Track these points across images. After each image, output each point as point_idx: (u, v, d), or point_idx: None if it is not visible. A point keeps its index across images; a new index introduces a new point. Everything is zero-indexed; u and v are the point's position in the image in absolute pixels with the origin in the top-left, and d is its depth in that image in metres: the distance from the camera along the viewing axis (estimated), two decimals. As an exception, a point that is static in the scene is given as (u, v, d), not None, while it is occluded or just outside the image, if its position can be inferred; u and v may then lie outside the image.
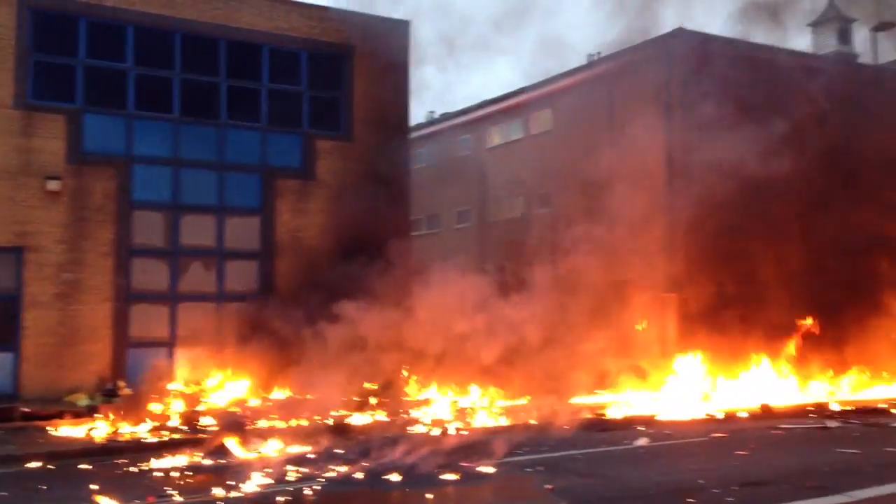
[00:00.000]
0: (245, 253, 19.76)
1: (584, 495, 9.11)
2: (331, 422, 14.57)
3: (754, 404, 17.35)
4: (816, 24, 36.08)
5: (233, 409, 15.09)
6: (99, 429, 14.04)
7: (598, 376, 17.95)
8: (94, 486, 9.55)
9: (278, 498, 8.90)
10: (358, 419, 15.19)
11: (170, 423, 14.43)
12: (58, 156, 18.04)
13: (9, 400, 16.23)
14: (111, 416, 14.41)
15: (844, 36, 35.92)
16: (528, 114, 30.04)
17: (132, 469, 10.97)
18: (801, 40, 34.89)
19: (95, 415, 14.89)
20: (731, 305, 21.27)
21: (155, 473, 10.60)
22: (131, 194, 18.71)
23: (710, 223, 20.58)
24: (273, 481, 9.78)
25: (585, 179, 23.45)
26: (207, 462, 11.30)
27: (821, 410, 16.99)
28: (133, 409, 14.86)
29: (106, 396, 16.82)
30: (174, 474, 10.48)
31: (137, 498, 9.03)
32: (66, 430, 14.10)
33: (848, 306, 21.18)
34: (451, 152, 33.93)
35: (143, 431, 13.91)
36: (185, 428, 14.16)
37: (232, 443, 11.94)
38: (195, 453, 11.64)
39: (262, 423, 13.89)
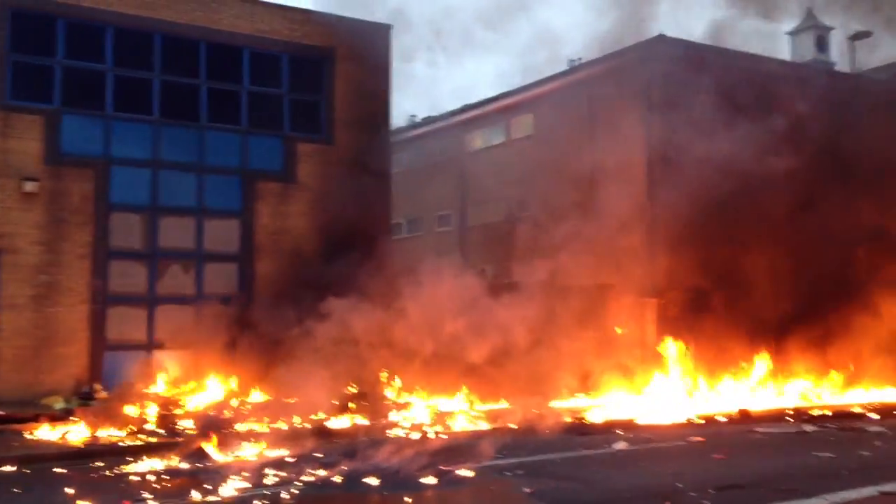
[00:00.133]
0: (224, 255, 19.66)
1: (563, 499, 9.14)
2: (310, 425, 14.51)
3: (733, 408, 17.46)
4: (795, 33, 36.49)
5: (211, 412, 14.97)
6: (75, 432, 13.90)
7: (581, 377, 17.99)
8: (69, 490, 9.47)
9: (255, 502, 8.86)
10: (337, 423, 15.14)
11: (147, 427, 14.29)
12: (35, 157, 17.87)
13: (-17, 403, 16.03)
14: (87, 420, 14.25)
15: (822, 44, 36.34)
16: (509, 118, 30.13)
17: (108, 473, 10.87)
18: (781, 47, 35.29)
19: (71, 418, 14.73)
20: (712, 310, 21.42)
21: (131, 477, 10.50)
22: (109, 196, 18.56)
23: (690, 228, 20.70)
24: (250, 485, 9.72)
25: (566, 184, 23.56)
26: (185, 466, 11.21)
27: (798, 414, 17.12)
28: (110, 412, 14.72)
29: (82, 399, 16.67)
30: (151, 478, 10.39)
31: (113, 502, 8.96)
32: (42, 433, 13.94)
33: (831, 308, 21.34)
34: (433, 156, 33.97)
35: (119, 435, 13.79)
36: (163, 431, 14.04)
37: (210, 446, 11.86)
38: (172, 457, 11.55)
39: (241, 427, 13.81)
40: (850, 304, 21.15)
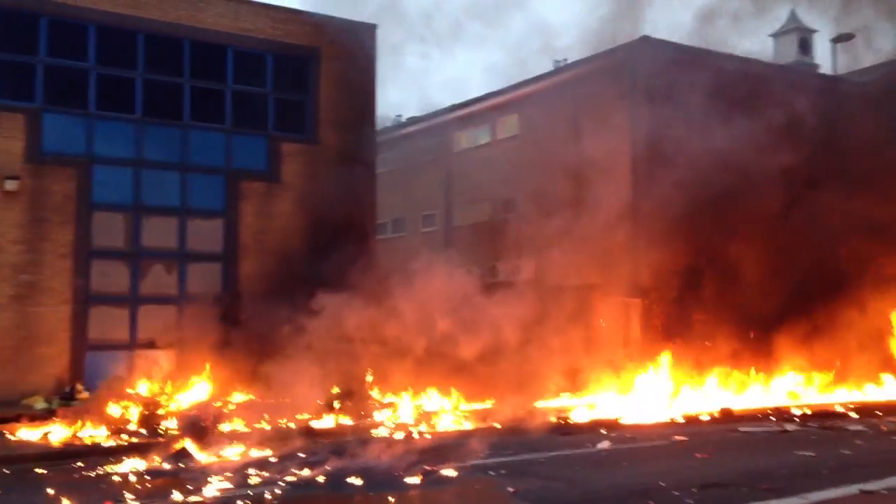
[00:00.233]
0: (208, 255, 19.57)
1: (547, 498, 9.15)
2: (294, 425, 14.47)
3: (716, 408, 17.55)
4: (778, 35, 36.72)
5: (194, 412, 14.87)
6: (56, 432, 13.79)
7: (565, 377, 18.01)
8: (50, 491, 9.40)
9: (238, 502, 8.82)
10: (321, 422, 15.11)
11: (129, 427, 14.20)
12: (16, 155, 17.72)
13: (-37, 403, 15.90)
14: (69, 420, 14.15)
15: (805, 46, 36.59)
16: (495, 118, 30.17)
17: (90, 473, 10.79)
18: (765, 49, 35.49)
19: (53, 418, 14.62)
20: (696, 309, 21.54)
21: (113, 478, 10.44)
22: (91, 195, 18.44)
23: (675, 228, 20.79)
24: (233, 485, 9.68)
25: (552, 184, 23.61)
26: (167, 466, 11.16)
27: (780, 413, 17.22)
28: (92, 412, 14.61)
29: (64, 399, 16.55)
30: (133, 478, 10.33)
31: (95, 502, 8.90)
32: (23, 433, 13.82)
33: (817, 306, 21.47)
34: (418, 156, 33.96)
35: (101, 435, 13.69)
36: (145, 432, 13.95)
37: (192, 447, 11.80)
38: (155, 457, 11.49)
39: (224, 427, 13.75)
40: (836, 301, 21.28)
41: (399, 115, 37.88)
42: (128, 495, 9.24)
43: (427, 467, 10.46)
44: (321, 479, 10.09)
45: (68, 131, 18.46)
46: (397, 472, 10.24)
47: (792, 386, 20.62)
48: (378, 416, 15.99)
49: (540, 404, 17.09)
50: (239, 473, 10.23)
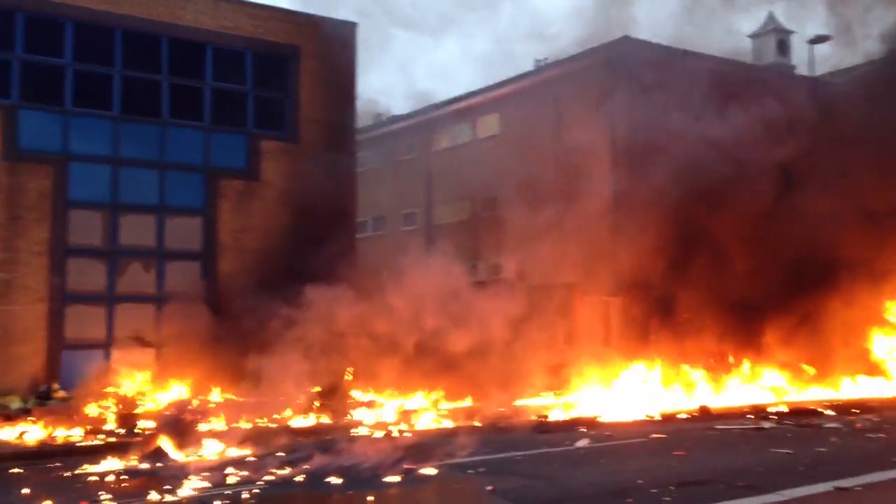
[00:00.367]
0: (186, 253, 19.43)
1: (526, 497, 9.17)
2: (273, 424, 14.41)
3: (694, 405, 17.67)
4: (756, 35, 36.99)
5: (171, 411, 14.77)
6: (32, 432, 13.66)
7: (545, 375, 18.04)
8: (25, 491, 9.32)
9: (216, 502, 8.77)
10: (301, 421, 15.06)
11: (106, 427, 14.11)
12: (-9, 152, 17.51)
13: (-63, 403, 15.68)
14: (45, 419, 14.02)
15: (783, 47, 36.88)
16: (475, 118, 30.19)
17: (66, 473, 10.70)
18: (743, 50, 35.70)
19: (29, 418, 14.48)
20: (676, 308, 21.65)
21: (89, 478, 10.36)
22: (68, 193, 18.24)
23: (656, 226, 20.88)
24: (211, 485, 9.63)
25: (532, 183, 23.67)
26: (144, 466, 11.09)
27: (758, 412, 17.37)
28: (68, 411, 14.50)
29: (39, 399, 16.37)
30: (109, 478, 10.25)
31: (70, 502, 8.82)
32: (-2, 433, 13.69)
33: (801, 303, 21.63)
34: (399, 154, 33.94)
35: (78, 435, 13.58)
36: (122, 431, 13.87)
37: (169, 446, 11.72)
38: (131, 457, 11.41)
39: (202, 426, 13.66)
40: (821, 298, 21.45)
41: (380, 114, 37.81)
42: (104, 495, 9.16)
43: (406, 466, 10.46)
44: (300, 478, 10.05)
45: (45, 128, 18.26)
46: (376, 471, 10.23)
47: (770, 384, 20.79)
48: (358, 414, 15.97)
49: (520, 402, 17.14)
50: (217, 472, 10.18)
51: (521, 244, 22.58)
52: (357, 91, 22.07)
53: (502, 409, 16.21)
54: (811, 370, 21.26)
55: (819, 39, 29.46)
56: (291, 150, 20.79)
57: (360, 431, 14.22)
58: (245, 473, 10.22)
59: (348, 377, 17.11)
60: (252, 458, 11.38)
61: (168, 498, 9.01)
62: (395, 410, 16.31)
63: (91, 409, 14.82)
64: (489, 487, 9.50)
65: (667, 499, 8.73)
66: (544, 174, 23.56)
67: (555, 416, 16.36)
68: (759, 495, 8.83)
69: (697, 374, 20.37)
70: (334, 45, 21.28)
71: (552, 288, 21.94)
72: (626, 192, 22.11)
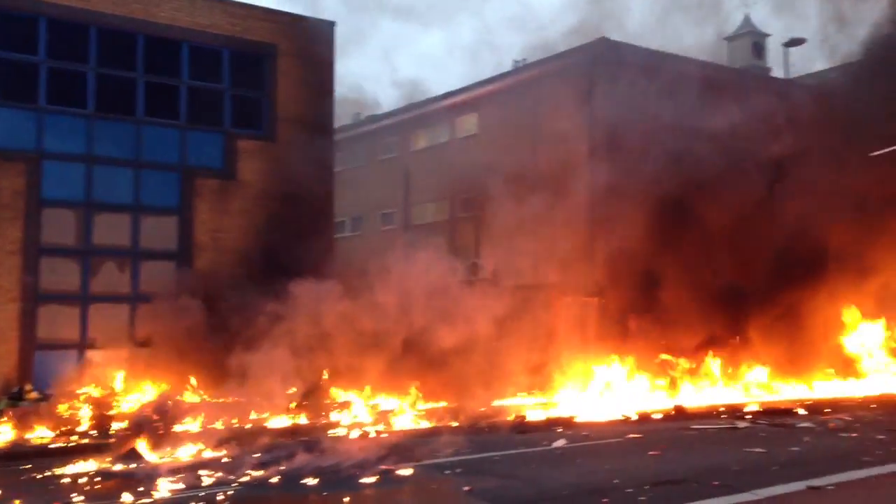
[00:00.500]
0: (162, 253, 19.26)
1: (503, 497, 9.17)
2: (249, 425, 14.33)
3: (669, 405, 17.79)
4: (732, 38, 37.33)
5: (145, 412, 14.65)
6: (3, 433, 13.49)
7: (525, 374, 18.06)
8: (-5, 493, 9.19)
9: (190, 503, 8.70)
10: (277, 422, 14.99)
11: (79, 428, 13.97)
12: (-37, 150, 17.28)
13: None
14: (17, 421, 13.84)
15: (759, 50, 37.24)
16: (454, 117, 30.21)
17: (38, 475, 10.59)
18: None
19: (0, 418, 14.29)
20: (653, 308, 21.76)
21: (62, 479, 10.25)
22: (41, 191, 18.03)
23: (633, 227, 20.98)
24: (185, 486, 9.55)
25: (510, 184, 23.69)
26: (118, 467, 10.97)
27: (732, 412, 17.51)
28: (40, 412, 14.33)
29: (11, 400, 16.14)
30: (82, 480, 10.14)
31: (42, 505, 8.72)
32: (-32, 435, 13.51)
33: (781, 300, 21.79)
34: (377, 154, 33.89)
35: (50, 436, 13.42)
36: (96, 433, 13.73)
37: (144, 447, 11.62)
38: (105, 458, 11.30)
39: (177, 428, 13.55)
40: (800, 293, 21.62)
41: (358, 113, 37.73)
42: (76, 497, 9.07)
43: (383, 467, 10.44)
44: (275, 479, 10.00)
45: (18, 126, 18.04)
46: (353, 472, 10.19)
47: (746, 383, 20.98)
48: (335, 415, 15.92)
49: (498, 403, 17.16)
50: (191, 474, 10.10)
51: (499, 244, 22.59)
52: (335, 90, 22.03)
53: (480, 410, 16.22)
54: (783, 378, 21.45)
55: (794, 42, 29.80)
56: (269, 149, 20.68)
57: (338, 432, 14.18)
58: (220, 475, 10.15)
59: (325, 377, 17.04)
60: (227, 460, 11.30)
61: (142, 500, 8.94)
62: (373, 411, 16.26)
63: (64, 411, 14.66)
64: (466, 488, 9.49)
65: (642, 498, 8.77)
66: (522, 174, 23.59)
67: (532, 416, 16.41)
68: (733, 494, 8.90)
69: (674, 374, 20.51)
70: (312, 44, 21.20)
71: (530, 288, 21.95)
72: (604, 191, 22.19)
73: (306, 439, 12.81)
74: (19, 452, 12.31)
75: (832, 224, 21.36)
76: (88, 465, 10.97)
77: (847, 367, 22.44)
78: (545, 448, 12.79)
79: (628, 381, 19.53)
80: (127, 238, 18.98)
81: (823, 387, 21.36)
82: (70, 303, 18.21)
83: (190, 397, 16.16)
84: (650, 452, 12.01)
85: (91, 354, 17.76)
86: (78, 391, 15.50)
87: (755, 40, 36.81)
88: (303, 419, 15.50)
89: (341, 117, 28.92)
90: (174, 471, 10.29)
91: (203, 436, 12.84)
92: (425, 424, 15.25)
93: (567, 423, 15.66)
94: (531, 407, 17.25)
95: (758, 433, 14.37)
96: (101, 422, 14.24)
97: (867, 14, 23.78)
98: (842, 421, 15.77)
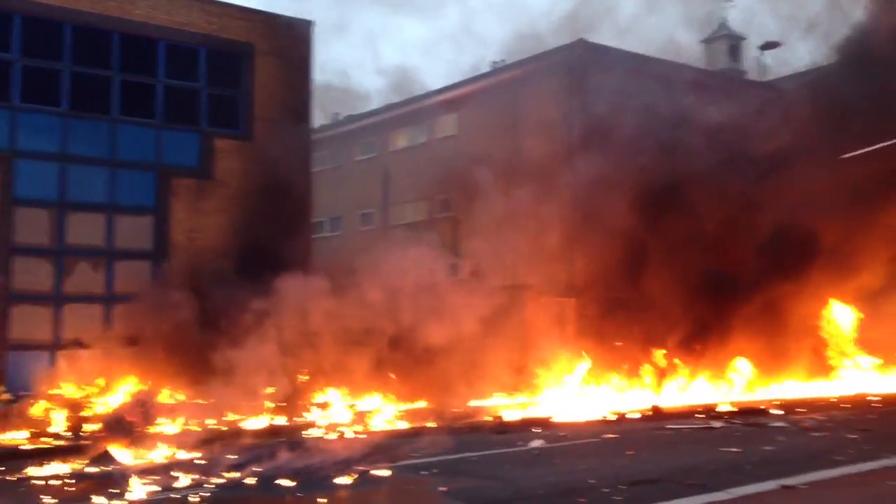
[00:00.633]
0: (137, 253, 19.10)
1: (479, 497, 9.17)
2: (224, 426, 14.24)
3: (645, 405, 17.89)
4: (709, 41, 37.63)
5: (119, 414, 14.53)
6: (-26, 436, 13.32)
7: (503, 374, 18.08)
8: (-36, 496, 9.06)
9: (164, 505, 8.64)
10: (253, 423, 14.90)
11: (52, 430, 13.82)
12: (-66, 148, 17.04)
13: None
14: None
15: (735, 53, 37.57)
16: (432, 118, 30.22)
17: (9, 477, 10.44)
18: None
19: (-29, 421, 14.11)
20: (631, 308, 21.85)
21: (33, 481, 10.12)
22: (14, 190, 17.83)
23: (611, 227, 21.07)
24: (159, 488, 9.46)
25: (489, 184, 23.72)
26: (91, 469, 10.86)
27: (708, 411, 17.63)
28: (12, 414, 14.15)
29: (-17, 402, 15.95)
30: (54, 482, 10.02)
31: (12, 508, 8.61)
32: (-62, 437, 13.32)
33: (750, 306, 21.94)
34: (356, 154, 33.83)
35: (22, 438, 13.26)
36: (69, 434, 13.59)
37: (117, 449, 11.51)
38: (78, 460, 11.18)
39: (152, 429, 13.45)
40: (773, 294, 21.77)
41: (337, 113, 37.66)
42: (48, 499, 8.96)
43: (359, 467, 10.40)
44: (251, 480, 9.93)
45: (-10, 124, 17.82)
46: (329, 473, 10.14)
47: (722, 383, 21.14)
48: (312, 416, 15.86)
49: (475, 403, 17.17)
50: (165, 475, 10.01)
51: (478, 245, 22.61)
52: (314, 88, 21.98)
53: (457, 410, 16.23)
54: (761, 378, 21.61)
55: (769, 45, 30.09)
56: (246, 148, 20.57)
57: (314, 433, 14.11)
58: (195, 476, 10.06)
59: (303, 378, 16.97)
60: (202, 461, 11.22)
61: (115, 501, 8.84)
62: (349, 411, 16.22)
63: (37, 412, 14.50)
64: (442, 488, 9.48)
65: (618, 498, 8.80)
66: (501, 174, 23.62)
67: (510, 416, 16.43)
68: (708, 493, 8.95)
69: (650, 375, 20.62)
70: (290, 43, 21.13)
71: (507, 289, 21.98)
72: (582, 192, 22.27)
73: (283, 440, 12.74)
74: (-9, 454, 12.14)
75: (814, 220, 21.56)
76: (61, 467, 10.84)
77: (824, 361, 22.68)
78: (522, 448, 12.81)
79: (605, 382, 19.62)
80: (101, 238, 18.81)
81: (798, 387, 21.57)
82: (43, 303, 18.01)
83: (166, 398, 16.04)
84: (626, 452, 12.06)
85: (64, 355, 17.57)
86: (51, 392, 15.35)
87: (732, 43, 37.12)
88: (280, 420, 15.42)
89: (322, 113, 28.94)
90: (148, 472, 10.19)
91: (178, 437, 12.75)
92: (402, 425, 15.22)
93: (544, 424, 15.70)
94: (509, 407, 17.27)
95: (733, 433, 14.47)
96: (75, 423, 14.09)
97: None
98: (815, 420, 15.93)
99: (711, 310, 21.76)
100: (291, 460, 10.82)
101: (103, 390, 16.01)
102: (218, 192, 20.08)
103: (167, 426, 13.79)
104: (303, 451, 11.39)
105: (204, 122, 20.33)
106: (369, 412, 16.19)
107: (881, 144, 15.01)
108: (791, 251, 21.95)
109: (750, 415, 17.04)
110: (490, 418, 16.28)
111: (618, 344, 21.01)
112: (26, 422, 14.01)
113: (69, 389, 15.72)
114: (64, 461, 11.13)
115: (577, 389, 18.81)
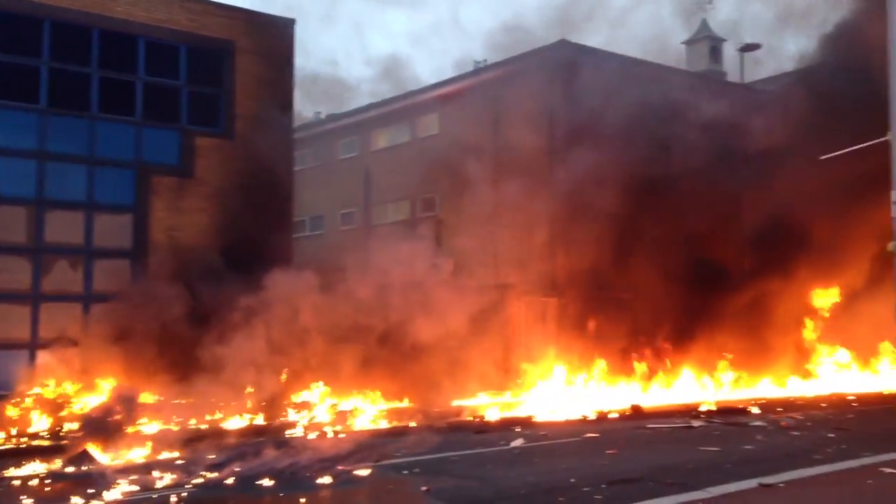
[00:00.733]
0: (116, 251, 18.91)
1: (460, 497, 9.18)
2: (204, 426, 14.15)
3: (626, 405, 17.96)
4: (690, 42, 37.82)
5: (98, 414, 14.39)
6: (-51, 436, 13.16)
7: (484, 373, 18.10)
8: (-61, 498, 8.95)
9: (143, 506, 8.57)
10: (233, 423, 14.82)
11: (30, 430, 13.67)
12: None
13: None
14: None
15: (716, 55, 37.79)
16: (414, 117, 30.18)
17: (-15, 478, 10.32)
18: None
19: (-54, 422, 13.94)
20: (613, 308, 21.95)
21: (11, 482, 10.02)
22: (-9, 188, 17.61)
23: (592, 227, 21.14)
24: (138, 488, 9.40)
25: (470, 184, 23.75)
26: (69, 469, 10.76)
27: (688, 411, 17.74)
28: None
29: (-41, 402, 15.74)
30: (32, 483, 9.92)
31: (-12, 509, 8.51)
32: (-88, 438, 13.14)
33: (729, 302, 22.06)
34: (337, 153, 33.73)
35: (0, 438, 13.12)
36: (47, 434, 13.45)
37: (96, 449, 11.40)
38: (56, 460, 11.07)
39: (130, 429, 13.33)
40: (757, 299, 21.91)
41: (319, 112, 37.52)
42: (26, 500, 8.87)
43: (340, 467, 10.39)
44: (231, 480, 9.88)
45: (-33, 121, 17.58)
46: (309, 473, 10.12)
47: (702, 382, 21.29)
48: (293, 416, 15.79)
49: (457, 403, 17.18)
50: (145, 476, 9.94)
51: (459, 245, 22.63)
52: (294, 87, 21.87)
53: (439, 410, 16.23)
54: (741, 378, 21.77)
55: (750, 47, 30.30)
56: (226, 146, 20.43)
57: (295, 432, 14.06)
58: (174, 476, 10.00)
59: (283, 377, 16.90)
60: (181, 461, 11.14)
61: (93, 502, 8.77)
62: (331, 411, 16.17)
63: (15, 412, 14.34)
64: (424, 488, 9.48)
65: (598, 497, 8.84)
66: (482, 175, 23.65)
67: (491, 416, 16.45)
68: (687, 492, 9.01)
69: (632, 375, 20.74)
70: (271, 41, 21.01)
71: (489, 289, 22.01)
72: (563, 193, 22.33)
73: (264, 440, 12.69)
74: (-33, 455, 12.00)
75: (800, 217, 21.75)
76: (39, 467, 10.74)
77: (805, 359, 22.91)
78: (503, 448, 12.84)
79: (586, 381, 19.70)
80: (80, 236, 18.60)
81: (777, 387, 21.76)
82: (21, 302, 17.78)
83: (145, 397, 15.91)
84: (607, 451, 12.11)
85: (42, 354, 17.38)
86: (29, 392, 15.18)
87: (713, 45, 37.33)
88: (260, 419, 15.34)
89: (309, 103, 28.70)
90: (127, 472, 10.11)
91: (157, 437, 12.65)
92: (384, 425, 15.21)
93: (525, 423, 15.74)
94: (490, 406, 17.29)
95: (712, 432, 14.58)
96: (53, 423, 13.94)
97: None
98: (794, 420, 16.07)
99: (695, 307, 21.92)
100: (273, 460, 10.78)
101: (81, 390, 15.86)
102: (198, 191, 19.93)
103: (147, 426, 13.67)
104: (285, 450, 11.36)
105: (184, 120, 20.17)
106: (353, 411, 16.15)
107: (857, 146, 15.13)
108: (775, 247, 22.15)
109: (730, 414, 17.16)
110: (472, 418, 16.29)
111: (599, 341, 21.14)
112: (3, 422, 13.84)
113: (46, 388, 15.56)
114: (42, 461, 11.01)
115: (559, 389, 18.86)
